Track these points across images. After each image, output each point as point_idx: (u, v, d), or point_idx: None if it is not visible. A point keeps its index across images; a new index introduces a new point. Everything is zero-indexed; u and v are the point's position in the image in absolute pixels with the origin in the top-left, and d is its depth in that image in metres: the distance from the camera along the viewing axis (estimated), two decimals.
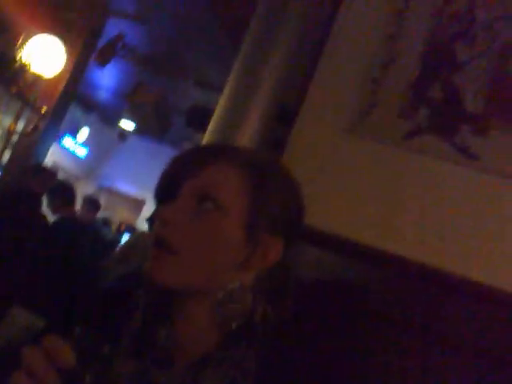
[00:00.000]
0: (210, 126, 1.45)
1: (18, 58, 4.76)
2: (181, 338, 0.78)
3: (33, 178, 3.95)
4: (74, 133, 7.71)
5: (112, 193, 8.50)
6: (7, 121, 5.82)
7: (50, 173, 4.27)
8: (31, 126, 6.07)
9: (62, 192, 4.09)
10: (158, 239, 0.76)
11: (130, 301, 0.82)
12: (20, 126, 5.92)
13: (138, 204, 8.10)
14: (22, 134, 5.96)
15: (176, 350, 0.78)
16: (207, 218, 0.76)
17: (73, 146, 7.94)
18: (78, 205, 4.67)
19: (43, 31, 4.83)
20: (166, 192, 0.81)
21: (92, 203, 5.67)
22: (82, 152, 8.11)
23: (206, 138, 1.44)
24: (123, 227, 6.77)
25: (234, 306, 0.77)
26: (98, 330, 0.65)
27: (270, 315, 0.79)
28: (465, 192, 1.22)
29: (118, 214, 8.13)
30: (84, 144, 8.05)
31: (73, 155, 7.98)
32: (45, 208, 4.02)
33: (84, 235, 4.17)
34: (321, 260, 1.26)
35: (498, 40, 1.26)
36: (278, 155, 1.36)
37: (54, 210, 4.02)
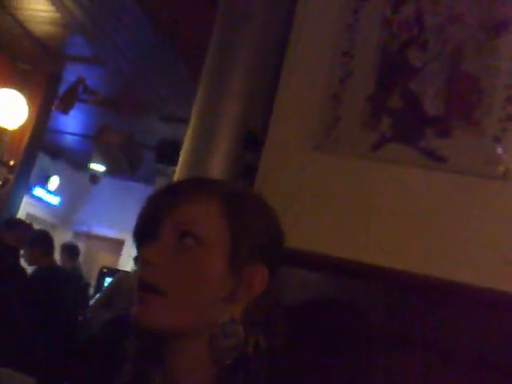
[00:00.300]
0: (180, 159, 1.46)
1: None
2: (177, 379, 0.78)
3: (7, 232, 3.90)
4: (44, 182, 7.64)
5: (90, 237, 8.40)
6: None
7: (25, 225, 4.22)
8: (0, 181, 6.02)
9: (42, 242, 4.04)
10: (143, 282, 0.76)
11: (117, 349, 0.82)
12: None
13: (118, 245, 8.02)
14: None
15: None
16: (189, 254, 0.76)
17: (44, 195, 7.86)
18: (57, 253, 4.59)
19: (1, 85, 4.82)
20: (144, 233, 0.80)
21: (71, 250, 5.60)
22: (54, 200, 8.03)
23: (178, 171, 1.44)
24: (105, 271, 6.68)
25: (228, 340, 0.76)
26: None
27: (262, 345, 0.79)
28: (438, 194, 1.24)
29: (98, 258, 8.03)
30: (56, 191, 7.98)
31: (46, 204, 7.90)
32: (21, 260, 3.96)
33: (67, 284, 4.10)
34: (306, 280, 1.26)
35: (449, 42, 1.30)
36: (251, 182, 1.36)
37: (33, 261, 3.97)
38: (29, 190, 6.89)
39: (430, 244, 1.21)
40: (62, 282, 4.03)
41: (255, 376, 0.77)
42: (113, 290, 3.82)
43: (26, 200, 6.64)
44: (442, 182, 1.24)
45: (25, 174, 6.21)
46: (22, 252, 3.92)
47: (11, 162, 5.94)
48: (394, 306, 1.19)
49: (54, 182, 7.75)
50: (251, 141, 1.45)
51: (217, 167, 1.43)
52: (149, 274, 0.75)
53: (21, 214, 6.39)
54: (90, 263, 7.62)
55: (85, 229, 8.31)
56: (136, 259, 3.08)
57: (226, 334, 0.76)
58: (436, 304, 1.17)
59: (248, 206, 0.82)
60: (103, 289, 4.77)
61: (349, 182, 1.30)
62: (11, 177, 6.05)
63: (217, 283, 0.77)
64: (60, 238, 6.77)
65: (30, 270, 3.99)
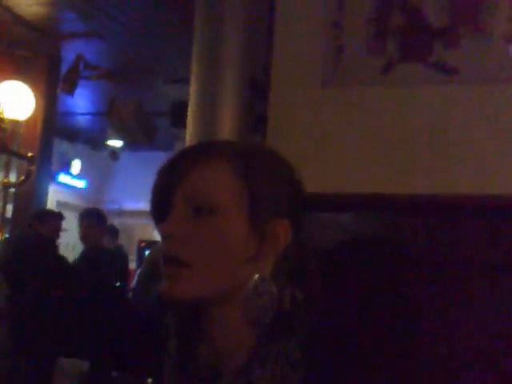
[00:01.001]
0: (189, 119, 1.45)
1: None
2: (220, 348, 0.79)
3: (41, 224, 4.01)
4: (66, 167, 7.73)
5: (122, 214, 8.53)
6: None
7: (56, 215, 4.34)
8: (23, 175, 6.07)
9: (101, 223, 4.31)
10: (167, 256, 0.76)
11: (161, 328, 0.83)
12: (13, 177, 5.92)
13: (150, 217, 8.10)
14: (17, 185, 5.97)
15: (219, 362, 0.78)
16: (206, 223, 0.76)
17: (69, 181, 7.97)
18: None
19: (2, 76, 4.83)
20: (160, 207, 0.80)
21: (112, 230, 5.73)
22: (80, 183, 8.14)
23: (188, 132, 1.43)
24: (144, 245, 6.81)
25: (261, 299, 0.76)
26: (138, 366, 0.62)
27: (298, 297, 0.79)
28: (455, 109, 1.21)
29: (133, 234, 8.17)
30: (80, 175, 8.07)
31: (73, 189, 8.01)
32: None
33: (113, 264, 4.27)
34: (337, 222, 1.24)
35: None
36: (263, 132, 1.34)
37: (92, 241, 4.16)
38: (53, 177, 6.98)
39: (456, 161, 1.19)
40: (108, 262, 4.16)
41: (296, 330, 0.77)
42: (152, 264, 3.89)
43: (52, 188, 6.72)
44: (457, 95, 1.21)
45: (46, 163, 6.24)
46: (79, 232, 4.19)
47: (30, 154, 5.99)
48: (434, 232, 1.18)
49: (76, 165, 7.83)
50: (257, 89, 1.42)
51: (227, 120, 1.42)
52: (170, 247, 0.76)
53: (50, 203, 6.49)
54: (127, 239, 7.77)
55: (115, 206, 8.42)
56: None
57: (259, 293, 0.76)
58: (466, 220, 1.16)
59: (260, 161, 0.81)
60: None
61: (362, 112, 1.28)
62: (33, 168, 6.10)
63: (240, 246, 0.76)
64: None
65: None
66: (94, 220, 4.38)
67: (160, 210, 0.80)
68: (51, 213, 4.43)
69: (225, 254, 0.76)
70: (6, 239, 4.48)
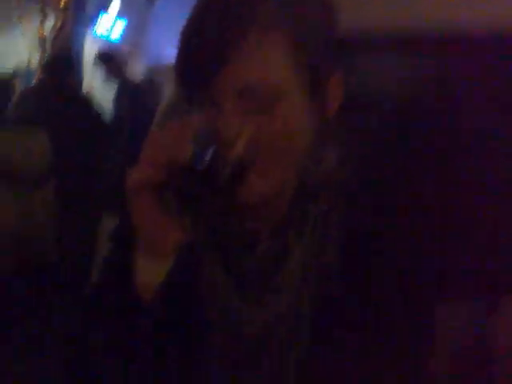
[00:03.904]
0: None
1: None
2: (258, 214, 0.76)
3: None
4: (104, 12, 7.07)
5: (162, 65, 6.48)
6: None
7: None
8: (58, 24, 7.36)
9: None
10: (234, 164, 0.66)
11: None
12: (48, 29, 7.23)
13: None
14: (53, 36, 7.27)
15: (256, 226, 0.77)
16: (265, 114, 0.68)
17: (107, 32, 7.04)
18: None
19: None
20: (193, 74, 0.71)
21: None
22: (117, 33, 7.00)
23: None
24: None
25: (320, 166, 0.76)
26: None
27: (345, 159, 0.78)
28: None
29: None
30: (117, 21, 7.01)
31: (111, 41, 6.97)
32: None
33: None
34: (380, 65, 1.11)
35: None
36: None
37: None
38: (89, 28, 7.17)
39: None
40: None
41: (340, 194, 0.76)
42: None
43: (89, 40, 7.17)
44: None
45: (80, 13, 7.17)
46: None
47: (62, 3, 7.20)
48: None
49: (114, 7, 7.04)
50: None
51: None
52: (234, 153, 0.66)
53: (87, 55, 7.02)
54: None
55: (156, 57, 6.67)
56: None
57: (317, 161, 0.76)
58: None
59: (308, 14, 0.71)
60: None
61: None
62: (67, 19, 7.22)
63: (306, 125, 0.72)
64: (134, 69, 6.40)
65: None
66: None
67: (193, 76, 0.71)
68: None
69: (294, 140, 0.71)
70: None
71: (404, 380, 0.72)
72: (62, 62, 3.93)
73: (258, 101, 0.68)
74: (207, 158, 0.64)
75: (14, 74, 5.81)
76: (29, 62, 6.09)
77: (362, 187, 0.77)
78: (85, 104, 3.76)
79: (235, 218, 0.75)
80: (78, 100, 3.75)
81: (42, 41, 6.92)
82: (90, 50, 7.09)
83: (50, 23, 6.94)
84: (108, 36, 7.17)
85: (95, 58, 4.88)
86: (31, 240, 2.92)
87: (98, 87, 5.46)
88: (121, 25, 7.17)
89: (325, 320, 0.73)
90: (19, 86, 5.94)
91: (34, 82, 5.26)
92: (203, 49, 0.68)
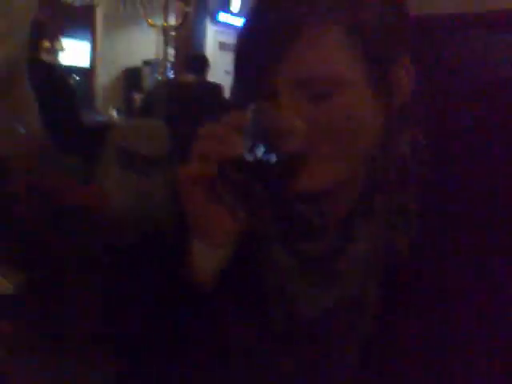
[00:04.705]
0: None
1: None
2: (323, 205, 0.77)
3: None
4: (226, 5, 7.18)
5: None
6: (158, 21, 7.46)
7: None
8: (180, 17, 7.80)
9: None
10: (293, 157, 0.66)
11: None
12: (172, 21, 7.72)
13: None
14: (176, 27, 7.74)
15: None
16: (327, 103, 0.68)
17: (230, 19, 7.09)
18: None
19: None
20: (252, 80, 0.72)
21: None
22: (241, 21, 6.95)
23: None
24: None
25: (389, 157, 0.75)
26: None
27: (421, 142, 0.76)
28: None
29: None
30: (241, 12, 7.03)
31: (234, 28, 7.01)
32: None
33: None
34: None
35: None
36: None
37: None
38: (213, 17, 7.46)
39: None
40: None
41: (414, 179, 0.75)
42: None
43: (213, 29, 7.52)
44: None
45: (203, 3, 7.59)
46: None
47: None
48: None
49: (236, 2, 7.18)
50: None
51: None
52: (294, 147, 0.65)
53: (211, 44, 7.46)
54: None
55: None
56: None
57: (387, 151, 0.74)
58: None
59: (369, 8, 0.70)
60: None
61: None
62: (189, 9, 7.66)
63: (370, 114, 0.71)
64: None
65: None
66: None
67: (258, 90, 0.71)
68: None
69: (358, 130, 0.70)
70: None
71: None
72: (198, 60, 4.15)
73: (317, 90, 0.68)
74: (260, 150, 0.64)
75: (143, 66, 6.15)
76: (156, 54, 6.42)
77: (438, 177, 0.75)
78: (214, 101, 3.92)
79: (300, 205, 0.76)
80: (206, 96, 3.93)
81: (166, 33, 7.24)
82: (214, 39, 7.35)
83: (173, 16, 7.25)
84: (232, 24, 7.37)
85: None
86: (150, 219, 3.10)
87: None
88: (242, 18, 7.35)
89: (390, 309, 0.73)
90: (147, 78, 6.31)
91: (159, 73, 5.55)
92: (263, 40, 0.69)
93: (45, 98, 3.15)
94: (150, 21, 5.78)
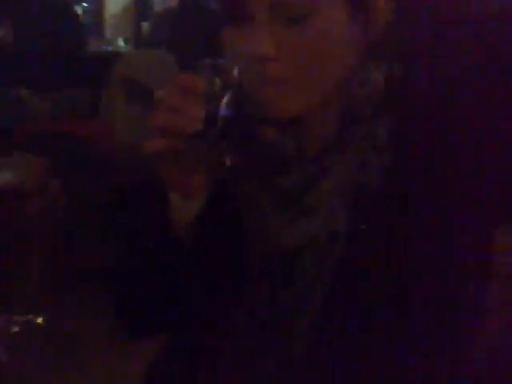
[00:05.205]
0: None
1: None
2: (304, 144, 0.75)
3: None
4: None
5: None
6: None
7: None
8: None
9: None
10: (265, 79, 0.69)
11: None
12: None
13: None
14: None
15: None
16: (303, 29, 0.68)
17: None
18: None
19: None
20: (234, 8, 0.71)
21: None
22: None
23: None
24: None
25: (364, 89, 0.73)
26: None
27: (396, 73, 0.75)
28: None
29: None
30: None
31: None
32: None
33: None
34: None
35: None
36: None
37: None
38: None
39: None
40: None
41: (388, 111, 0.73)
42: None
43: None
44: None
45: None
46: None
47: None
48: None
49: None
50: None
51: None
52: (271, 71, 0.68)
53: None
54: None
55: None
56: None
57: (362, 82, 0.72)
58: None
59: None
60: None
61: None
62: None
63: (345, 41, 0.70)
64: None
65: None
66: None
67: (233, 12, 0.71)
68: None
69: (331, 56, 0.70)
70: None
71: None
72: None
73: (292, 13, 0.67)
74: (225, 115, 0.63)
75: None
76: None
77: (411, 112, 0.74)
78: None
79: (274, 134, 0.74)
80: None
81: None
82: None
83: None
84: None
85: None
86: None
87: None
88: None
89: (358, 244, 0.73)
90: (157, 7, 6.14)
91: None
92: None
93: (47, 26, 3.10)
94: None
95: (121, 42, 5.67)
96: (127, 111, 3.20)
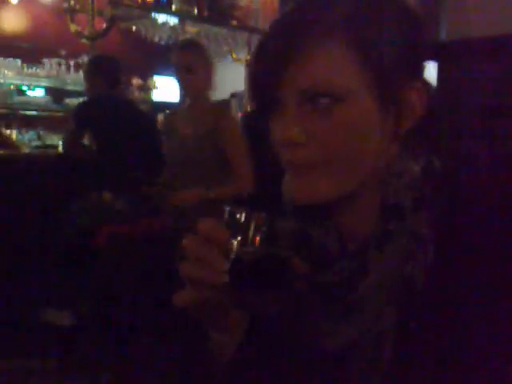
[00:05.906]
0: None
1: None
2: (343, 234, 0.77)
3: None
4: None
5: None
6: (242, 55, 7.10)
7: None
8: None
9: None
10: (295, 165, 0.72)
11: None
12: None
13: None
14: None
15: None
16: (333, 116, 0.69)
17: None
18: None
19: None
20: (265, 98, 0.74)
21: None
22: None
23: None
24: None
25: (401, 179, 0.73)
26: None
27: (436, 166, 0.76)
28: None
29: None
30: None
31: None
32: None
33: None
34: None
35: None
36: None
37: None
38: None
39: None
40: None
41: (428, 203, 0.74)
42: None
43: None
44: None
45: None
46: None
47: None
48: None
49: None
50: None
51: None
52: (297, 155, 0.71)
53: None
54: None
55: None
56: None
57: (398, 173, 0.73)
58: None
59: (376, 19, 0.70)
60: None
61: None
62: None
63: (375, 131, 0.71)
64: None
65: None
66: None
67: (265, 102, 0.74)
68: None
69: (361, 144, 0.71)
70: None
71: None
72: None
73: (319, 101, 0.69)
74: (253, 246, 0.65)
75: (231, 98, 6.28)
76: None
77: (452, 202, 0.73)
78: None
79: (315, 231, 0.77)
80: None
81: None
82: None
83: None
84: None
85: None
86: None
87: None
88: None
89: (409, 335, 0.72)
90: (235, 108, 6.45)
91: (244, 105, 5.67)
92: (271, 52, 0.70)
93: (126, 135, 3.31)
94: (234, 55, 5.94)
95: None
96: None
